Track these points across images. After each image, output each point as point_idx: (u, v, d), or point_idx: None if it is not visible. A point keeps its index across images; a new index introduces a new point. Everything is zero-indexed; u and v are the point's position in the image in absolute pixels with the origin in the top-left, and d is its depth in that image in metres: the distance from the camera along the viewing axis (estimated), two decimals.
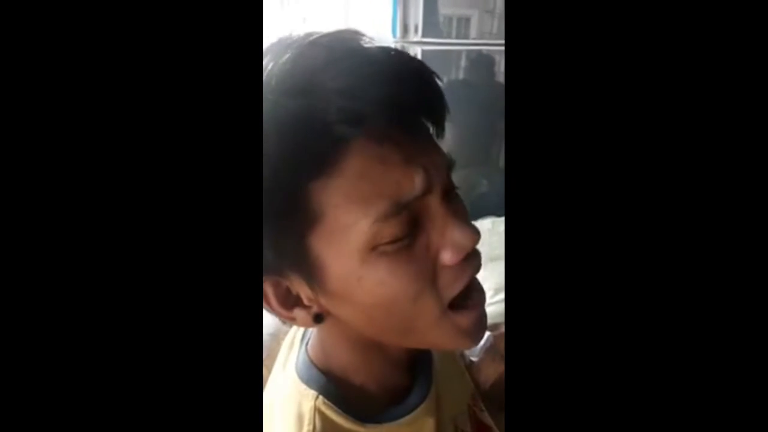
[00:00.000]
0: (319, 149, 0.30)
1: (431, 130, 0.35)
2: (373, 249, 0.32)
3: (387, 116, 0.30)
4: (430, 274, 0.33)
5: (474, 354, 0.60)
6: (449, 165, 0.36)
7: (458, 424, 0.45)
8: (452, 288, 0.34)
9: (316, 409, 0.37)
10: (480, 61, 1.92)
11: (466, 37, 1.81)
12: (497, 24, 1.80)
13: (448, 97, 0.35)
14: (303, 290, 0.35)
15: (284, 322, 0.38)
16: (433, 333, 0.35)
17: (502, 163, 1.87)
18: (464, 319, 0.35)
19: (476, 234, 0.33)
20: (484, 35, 1.84)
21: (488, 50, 1.87)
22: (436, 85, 0.33)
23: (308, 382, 0.40)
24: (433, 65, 0.33)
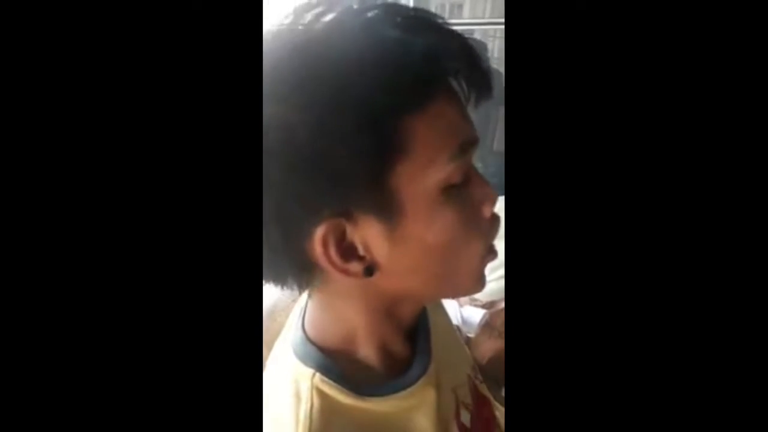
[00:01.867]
0: (416, 82, 0.31)
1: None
2: (443, 191, 0.34)
3: (466, 66, 0.34)
4: (477, 221, 0.37)
5: (471, 330, 0.63)
6: None
7: (459, 395, 0.45)
8: (492, 237, 0.38)
9: (314, 387, 0.37)
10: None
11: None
12: (489, 8, 1.79)
13: None
14: (367, 232, 0.34)
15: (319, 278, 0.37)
16: (468, 278, 0.39)
17: (496, 146, 1.88)
18: (486, 261, 0.39)
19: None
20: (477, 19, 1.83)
21: (481, 36, 1.86)
22: (487, 65, 0.36)
23: (304, 359, 0.39)
24: None
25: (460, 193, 0.35)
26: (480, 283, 0.40)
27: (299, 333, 0.42)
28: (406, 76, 0.31)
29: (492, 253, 0.39)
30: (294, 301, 0.48)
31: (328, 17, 0.32)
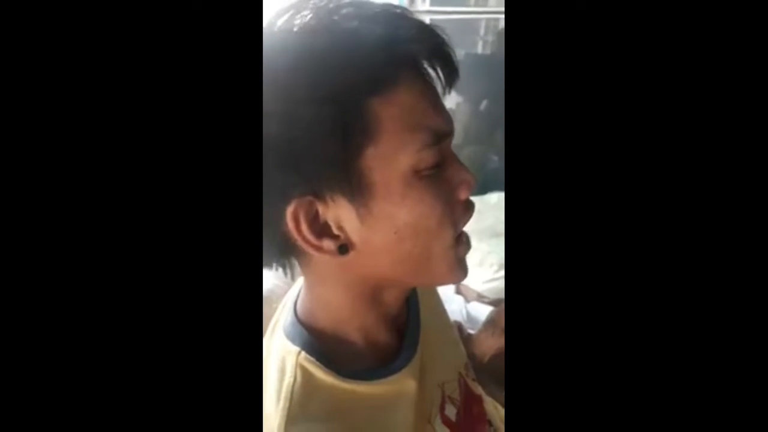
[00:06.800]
0: (382, 64, 0.33)
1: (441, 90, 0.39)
2: (415, 174, 0.35)
3: (426, 50, 0.36)
4: (451, 203, 0.38)
5: (475, 326, 0.62)
6: None
7: (446, 391, 0.46)
8: (463, 221, 0.39)
9: (298, 364, 0.39)
10: (498, 34, 1.87)
11: (485, 6, 1.76)
12: None
13: (461, 72, 0.37)
14: (338, 212, 0.36)
15: (301, 255, 0.39)
16: (442, 264, 0.39)
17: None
18: (461, 249, 0.39)
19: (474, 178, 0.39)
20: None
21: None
22: (451, 49, 0.38)
23: (293, 338, 0.41)
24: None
25: (435, 175, 0.36)
26: (456, 271, 0.40)
27: (291, 313, 0.44)
28: (364, 61, 0.33)
29: (465, 243, 0.40)
30: (290, 287, 0.48)
31: (300, 19, 0.35)
